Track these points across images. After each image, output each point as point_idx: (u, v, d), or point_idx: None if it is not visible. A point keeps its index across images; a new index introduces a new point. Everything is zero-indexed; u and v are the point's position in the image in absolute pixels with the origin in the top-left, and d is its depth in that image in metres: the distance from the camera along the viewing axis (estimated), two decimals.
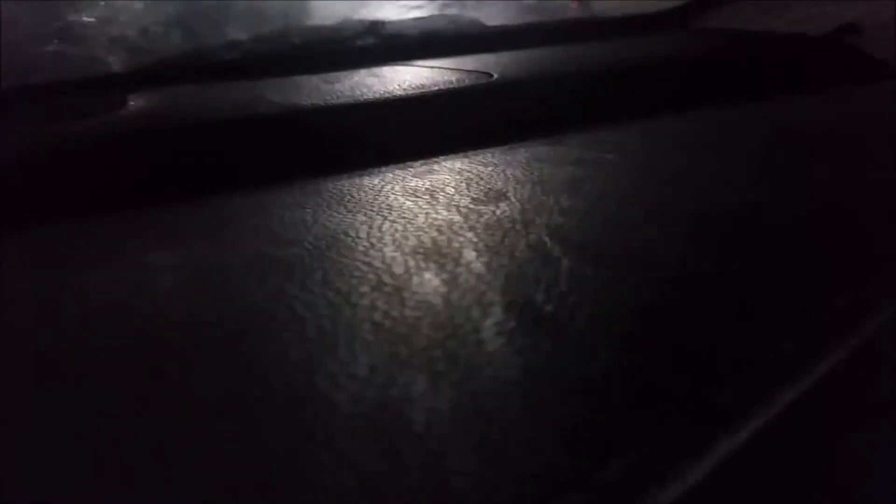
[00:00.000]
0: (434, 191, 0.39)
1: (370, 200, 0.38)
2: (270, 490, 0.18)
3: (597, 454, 0.19)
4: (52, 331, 0.27)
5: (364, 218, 0.35)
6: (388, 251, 0.31)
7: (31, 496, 0.19)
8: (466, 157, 0.46)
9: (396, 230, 0.33)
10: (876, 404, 0.23)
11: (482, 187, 0.39)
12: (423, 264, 0.29)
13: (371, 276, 0.29)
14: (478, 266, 0.29)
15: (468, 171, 0.42)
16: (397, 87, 0.58)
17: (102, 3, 0.82)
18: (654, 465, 0.18)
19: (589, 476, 0.18)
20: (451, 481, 0.18)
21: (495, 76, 0.60)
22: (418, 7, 0.92)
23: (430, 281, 0.28)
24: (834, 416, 0.22)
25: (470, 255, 0.30)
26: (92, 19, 0.80)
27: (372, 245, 0.32)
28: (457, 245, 0.31)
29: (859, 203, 0.36)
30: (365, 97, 0.55)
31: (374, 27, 0.79)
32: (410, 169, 0.44)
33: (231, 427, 0.21)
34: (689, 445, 0.19)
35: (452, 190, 0.39)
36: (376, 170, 0.44)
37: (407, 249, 0.31)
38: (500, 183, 0.39)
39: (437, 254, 0.30)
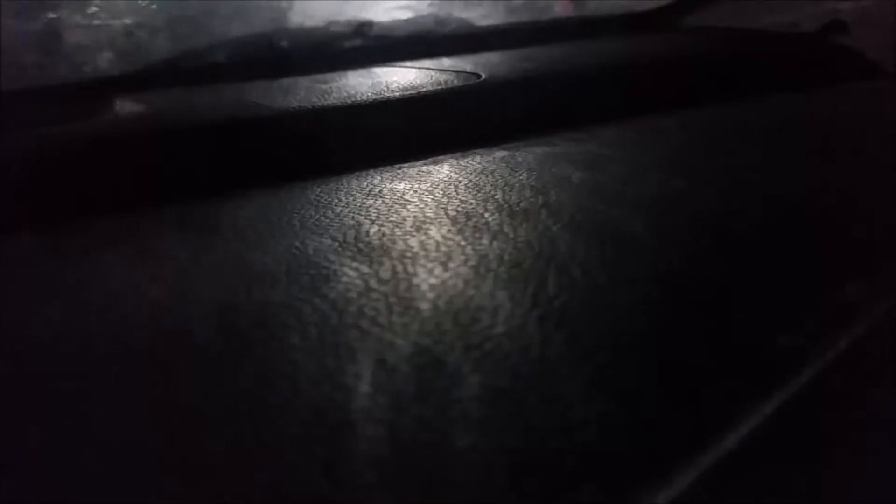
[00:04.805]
0: (423, 193, 0.38)
1: (358, 204, 0.38)
2: (256, 498, 0.18)
3: (586, 459, 0.19)
4: (41, 334, 0.27)
5: (352, 222, 0.35)
6: (377, 255, 0.31)
7: (27, 496, 0.19)
8: (455, 158, 0.45)
9: (385, 234, 0.33)
10: (873, 403, 0.23)
11: (471, 189, 0.39)
12: (411, 269, 0.29)
13: (359, 281, 0.28)
14: (467, 270, 0.29)
15: (457, 173, 0.42)
16: (385, 89, 0.57)
17: (90, 4, 0.81)
18: (647, 466, 0.18)
19: (577, 484, 0.18)
20: (442, 487, 0.18)
21: (484, 76, 0.60)
22: (406, 7, 0.92)
23: (418, 286, 0.28)
24: (829, 416, 0.22)
25: (459, 258, 0.30)
26: (81, 22, 0.79)
27: (359, 249, 0.31)
28: (446, 249, 0.31)
29: (852, 200, 0.36)
30: (353, 99, 0.55)
31: (363, 28, 0.79)
32: (399, 171, 0.43)
33: (215, 435, 0.21)
34: (683, 446, 0.19)
35: (441, 192, 0.38)
36: (364, 172, 0.44)
37: (395, 253, 0.31)
38: (489, 185, 0.39)
39: (426, 258, 0.30)
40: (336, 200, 0.39)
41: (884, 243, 0.31)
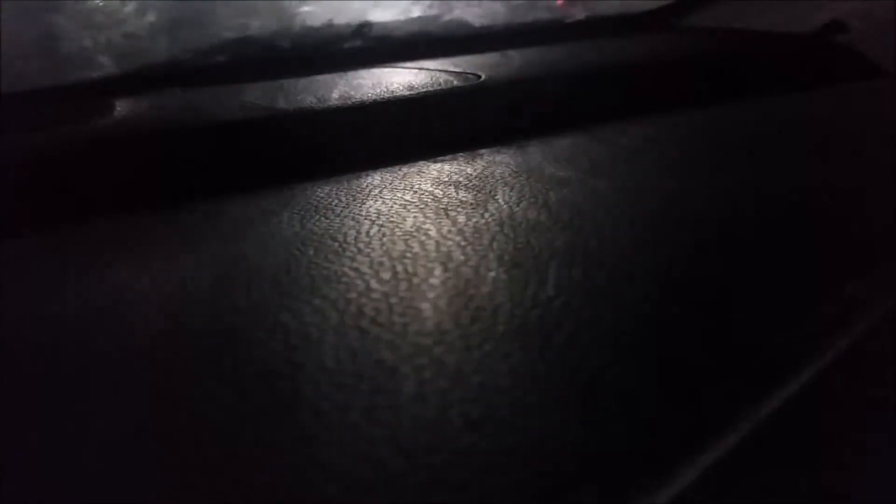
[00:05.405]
0: (422, 194, 0.38)
1: (358, 205, 0.38)
2: (256, 498, 0.18)
3: (586, 459, 0.19)
4: (42, 334, 0.27)
5: (352, 223, 0.35)
6: (376, 256, 0.31)
7: (27, 496, 0.19)
8: (455, 159, 0.45)
9: (384, 235, 0.33)
10: (873, 403, 0.23)
11: (471, 190, 0.39)
12: (410, 269, 0.29)
13: (358, 281, 0.28)
14: (466, 270, 0.29)
15: (456, 174, 0.42)
16: (385, 90, 0.57)
17: (88, 5, 0.81)
18: (647, 466, 0.18)
19: (577, 484, 0.18)
20: (442, 487, 0.18)
21: (483, 77, 0.60)
22: (406, 8, 0.92)
23: (417, 286, 0.28)
24: (829, 416, 0.22)
25: (458, 259, 0.30)
26: (81, 22, 0.79)
27: (360, 250, 0.31)
28: (445, 249, 0.31)
29: (852, 200, 0.36)
30: (352, 100, 0.55)
31: (362, 29, 0.79)
32: (398, 172, 0.43)
33: (215, 435, 0.20)
34: (683, 446, 0.19)
35: (441, 193, 0.38)
36: (364, 173, 0.44)
37: (395, 254, 0.31)
38: (489, 185, 0.39)
39: (426, 258, 0.30)
40: (336, 201, 0.39)
41: (884, 243, 0.31)
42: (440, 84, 0.58)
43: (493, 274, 0.28)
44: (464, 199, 0.37)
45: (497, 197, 0.37)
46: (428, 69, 0.66)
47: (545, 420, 0.20)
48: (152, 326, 0.27)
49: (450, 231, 0.33)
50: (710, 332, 0.24)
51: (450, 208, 0.36)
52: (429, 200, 0.37)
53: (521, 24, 0.96)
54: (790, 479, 0.19)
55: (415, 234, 0.33)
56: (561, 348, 0.23)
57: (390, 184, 0.41)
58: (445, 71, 0.64)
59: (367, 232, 0.33)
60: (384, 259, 0.30)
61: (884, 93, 0.64)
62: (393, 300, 0.27)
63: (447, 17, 0.91)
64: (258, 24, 0.83)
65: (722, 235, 0.32)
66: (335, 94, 0.57)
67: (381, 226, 0.34)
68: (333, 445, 0.19)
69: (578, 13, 1.01)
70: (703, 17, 0.94)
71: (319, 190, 0.41)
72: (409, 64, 0.70)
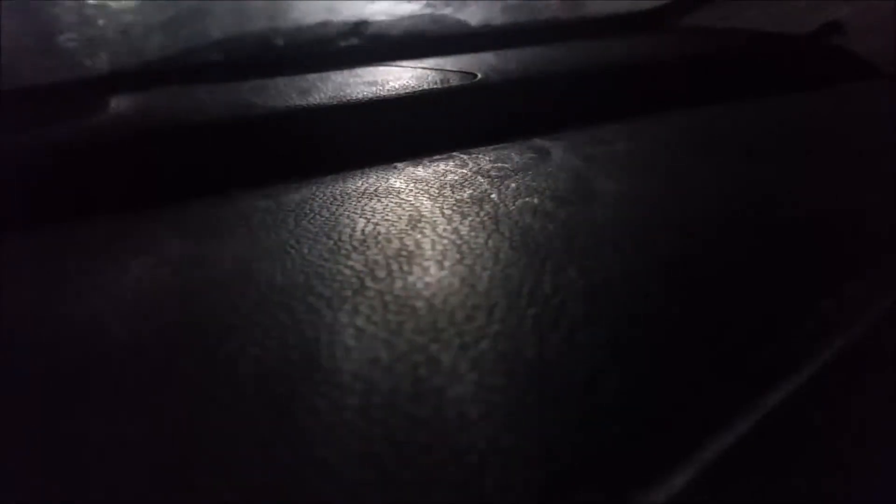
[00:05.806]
0: (418, 192, 0.38)
1: (353, 203, 0.37)
2: (252, 498, 0.18)
3: (585, 459, 0.18)
4: (41, 334, 0.27)
5: (347, 221, 0.35)
6: (371, 254, 0.30)
7: (27, 496, 0.19)
8: (451, 158, 0.45)
9: (379, 233, 0.33)
10: (873, 403, 0.23)
11: (467, 189, 0.38)
12: (406, 267, 0.29)
13: (354, 279, 0.28)
14: (462, 269, 0.29)
15: (452, 173, 0.42)
16: (381, 88, 0.57)
17: (87, 4, 0.81)
18: (646, 466, 0.18)
19: (576, 484, 0.18)
20: (439, 487, 0.18)
21: (479, 76, 0.60)
22: (402, 7, 0.92)
23: (413, 284, 0.27)
24: (829, 416, 0.22)
25: (454, 257, 0.30)
26: (79, 21, 0.79)
27: (354, 248, 0.31)
28: (441, 248, 0.31)
29: (851, 201, 0.36)
30: (348, 98, 0.54)
31: (358, 27, 0.79)
32: (394, 170, 0.43)
33: (214, 435, 0.20)
34: (682, 446, 0.19)
35: (436, 191, 0.38)
36: (359, 171, 0.43)
37: (390, 252, 0.30)
38: (485, 184, 0.39)
39: (421, 256, 0.30)
40: (332, 199, 0.38)
41: (883, 243, 0.31)
42: (436, 83, 0.58)
43: (489, 272, 0.28)
44: (459, 197, 0.37)
45: (493, 196, 0.37)
46: (424, 68, 0.66)
47: (545, 420, 0.20)
48: (150, 326, 0.27)
49: (445, 229, 0.33)
50: (710, 333, 0.24)
51: (445, 207, 0.36)
52: (424, 199, 0.37)
53: (519, 24, 0.96)
54: (790, 478, 0.19)
55: (410, 232, 0.33)
56: (559, 347, 0.23)
57: (385, 182, 0.41)
58: (442, 70, 0.64)
59: (363, 230, 0.33)
60: (379, 257, 0.30)
61: (884, 93, 0.64)
62: (388, 298, 0.26)
63: (444, 16, 0.91)
64: (255, 22, 0.84)
65: (721, 235, 0.32)
66: (331, 93, 0.56)
67: (377, 224, 0.34)
68: (330, 445, 0.19)
69: (577, 13, 1.01)
70: (703, 17, 0.94)
71: (314, 188, 0.41)
72: (405, 63, 0.70)
